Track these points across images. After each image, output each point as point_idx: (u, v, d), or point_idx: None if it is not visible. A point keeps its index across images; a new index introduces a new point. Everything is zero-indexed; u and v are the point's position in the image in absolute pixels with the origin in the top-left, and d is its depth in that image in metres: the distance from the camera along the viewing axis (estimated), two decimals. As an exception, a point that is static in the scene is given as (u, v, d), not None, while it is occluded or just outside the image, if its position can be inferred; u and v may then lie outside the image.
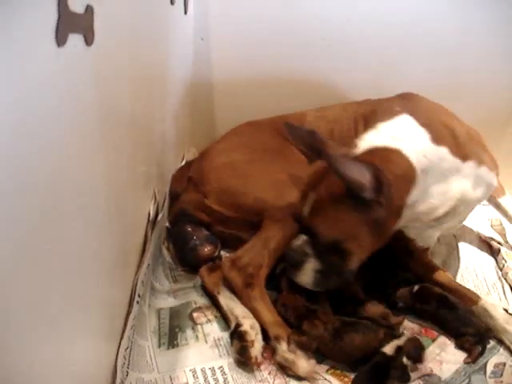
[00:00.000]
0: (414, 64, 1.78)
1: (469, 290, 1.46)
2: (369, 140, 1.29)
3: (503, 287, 1.56)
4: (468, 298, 1.41)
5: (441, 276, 1.49)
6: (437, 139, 1.30)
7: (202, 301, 1.48)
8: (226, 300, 1.40)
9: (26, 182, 0.67)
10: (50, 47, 0.71)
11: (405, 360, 1.24)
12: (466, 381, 1.27)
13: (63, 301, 0.83)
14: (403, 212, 1.28)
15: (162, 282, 1.53)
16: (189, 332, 1.38)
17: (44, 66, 0.70)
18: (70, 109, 0.80)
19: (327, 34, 1.72)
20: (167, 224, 1.63)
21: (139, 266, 1.33)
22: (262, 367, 1.29)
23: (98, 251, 0.97)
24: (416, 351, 1.27)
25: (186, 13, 1.63)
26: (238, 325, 1.31)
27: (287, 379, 1.26)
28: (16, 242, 0.66)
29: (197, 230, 1.54)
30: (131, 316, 1.25)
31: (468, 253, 1.72)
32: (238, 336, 1.29)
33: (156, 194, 1.43)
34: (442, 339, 1.36)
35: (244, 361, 1.27)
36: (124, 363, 1.19)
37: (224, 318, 1.40)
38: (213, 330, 1.40)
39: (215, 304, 1.43)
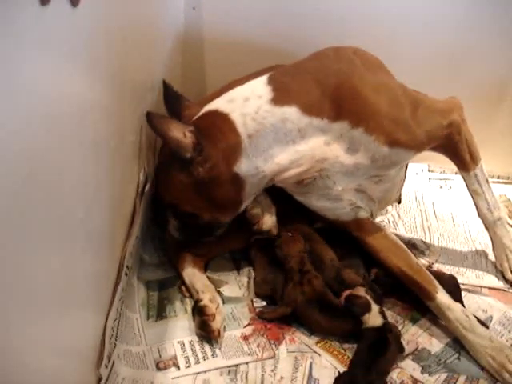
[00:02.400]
0: (409, 40, 1.74)
1: (429, 281, 1.32)
2: (212, 104, 1.27)
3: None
4: (424, 291, 1.32)
5: (395, 261, 1.37)
6: (280, 99, 1.21)
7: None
8: (189, 275, 1.41)
9: (10, 149, 0.65)
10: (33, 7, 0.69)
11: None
12: (456, 355, 1.27)
13: (49, 272, 0.82)
14: (244, 178, 1.24)
15: (150, 254, 1.51)
16: (177, 304, 1.38)
17: (27, 27, 0.67)
18: (56, 72, 0.78)
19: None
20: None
21: (127, 238, 1.31)
22: (251, 340, 1.29)
23: (85, 221, 0.95)
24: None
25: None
26: (198, 300, 1.32)
27: (275, 351, 1.26)
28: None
29: None
30: (119, 288, 1.23)
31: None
32: (198, 311, 1.29)
33: (145, 165, 1.41)
34: (432, 314, 1.35)
35: (206, 335, 1.27)
36: (112, 335, 1.18)
37: (189, 292, 1.40)
38: (202, 303, 1.39)
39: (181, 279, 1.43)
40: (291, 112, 1.21)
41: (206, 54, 1.75)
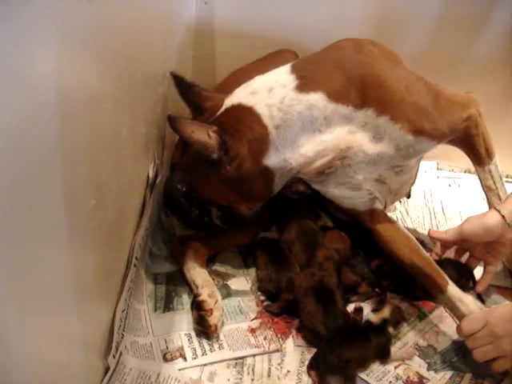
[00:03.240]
0: (416, 37, 1.74)
1: (439, 273, 1.31)
2: (234, 96, 1.25)
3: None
4: (434, 284, 1.30)
5: (406, 253, 1.35)
6: (306, 86, 1.20)
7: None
8: (189, 269, 1.40)
9: (23, 138, 0.66)
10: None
11: (392, 330, 1.24)
12: (462, 353, 1.26)
13: (59, 261, 0.82)
14: (273, 170, 1.23)
15: (159, 246, 1.52)
16: (185, 297, 1.38)
17: (41, 17, 0.68)
18: (68, 62, 0.78)
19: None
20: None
21: (137, 229, 1.32)
22: (258, 332, 1.29)
23: (95, 210, 0.96)
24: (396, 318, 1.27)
25: None
26: (197, 294, 1.31)
27: (282, 345, 1.26)
28: (9, 203, 0.65)
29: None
30: (128, 279, 1.24)
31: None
32: (196, 305, 1.28)
33: (155, 156, 1.41)
34: (439, 311, 1.36)
35: (203, 330, 1.26)
36: (120, 326, 1.19)
37: (190, 288, 1.39)
38: (209, 295, 1.39)
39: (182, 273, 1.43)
40: (317, 98, 1.20)
41: (217, 47, 1.75)
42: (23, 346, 0.73)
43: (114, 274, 1.19)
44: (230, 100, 1.25)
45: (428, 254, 1.36)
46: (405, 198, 1.76)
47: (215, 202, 1.33)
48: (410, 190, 1.69)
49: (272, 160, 1.22)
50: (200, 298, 1.29)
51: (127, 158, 1.17)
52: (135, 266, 1.28)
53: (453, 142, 1.39)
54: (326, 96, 1.20)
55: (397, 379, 1.19)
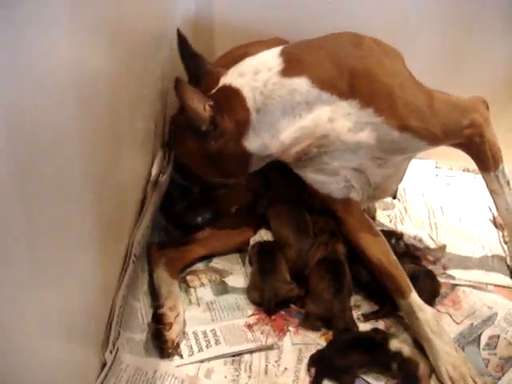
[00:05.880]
0: (415, 38, 1.73)
1: (404, 279, 1.29)
2: (228, 77, 1.28)
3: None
4: (398, 288, 1.28)
5: (375, 251, 1.35)
6: (290, 70, 1.22)
7: (196, 264, 1.47)
8: (158, 277, 1.36)
9: (19, 130, 0.65)
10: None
11: (394, 366, 1.17)
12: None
13: (56, 253, 0.82)
14: (251, 152, 1.27)
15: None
16: (182, 295, 1.36)
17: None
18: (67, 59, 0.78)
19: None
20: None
21: (136, 226, 1.31)
22: (255, 328, 1.29)
23: (94, 203, 0.95)
24: (410, 379, 1.17)
25: None
26: (159, 306, 1.26)
27: (279, 341, 1.26)
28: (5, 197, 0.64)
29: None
30: (127, 275, 1.23)
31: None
32: (155, 318, 1.23)
33: (158, 154, 1.41)
34: (435, 310, 1.35)
35: (158, 344, 1.20)
36: (117, 322, 1.18)
37: (153, 296, 1.35)
38: (206, 293, 1.39)
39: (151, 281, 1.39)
40: (300, 83, 1.21)
41: (216, 41, 1.75)
42: (20, 341, 0.72)
43: (112, 269, 1.19)
44: (224, 79, 1.28)
45: (396, 258, 1.35)
46: (403, 197, 1.76)
47: (190, 167, 1.38)
48: (396, 191, 1.68)
49: (251, 143, 1.25)
50: (160, 311, 1.24)
51: (126, 153, 1.17)
52: (134, 262, 1.27)
53: (457, 147, 1.39)
54: (309, 81, 1.21)
55: (393, 378, 1.18)
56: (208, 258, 1.49)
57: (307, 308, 1.32)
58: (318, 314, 1.30)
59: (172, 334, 1.20)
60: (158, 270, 1.37)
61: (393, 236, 1.47)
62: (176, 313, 1.25)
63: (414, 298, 1.26)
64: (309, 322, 1.30)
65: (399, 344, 1.21)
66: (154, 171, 1.37)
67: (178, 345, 1.21)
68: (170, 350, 1.19)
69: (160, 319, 1.22)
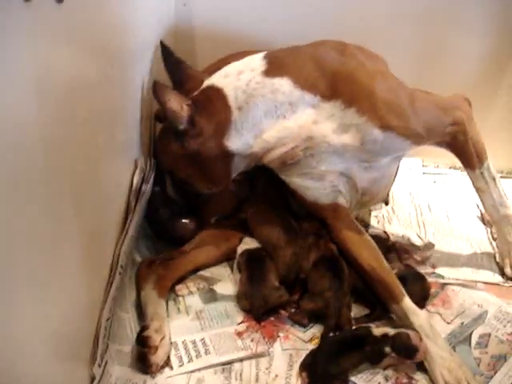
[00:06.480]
0: (397, 35, 1.74)
1: (396, 284, 1.29)
2: (211, 78, 1.30)
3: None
4: (391, 294, 1.28)
5: (366, 257, 1.34)
6: (273, 71, 1.23)
7: (184, 273, 1.46)
8: (145, 296, 1.32)
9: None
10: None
11: (388, 349, 1.17)
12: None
13: (41, 268, 0.81)
14: (233, 152, 1.27)
15: (143, 254, 1.49)
16: (170, 304, 1.36)
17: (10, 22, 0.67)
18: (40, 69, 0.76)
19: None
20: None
21: (122, 237, 1.29)
22: (245, 335, 1.28)
23: (75, 217, 0.94)
24: (407, 351, 1.18)
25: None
26: (144, 327, 1.22)
27: (270, 348, 1.25)
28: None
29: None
30: (113, 287, 1.21)
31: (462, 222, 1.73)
32: (139, 340, 1.19)
33: (142, 164, 1.39)
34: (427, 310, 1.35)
35: (142, 368, 1.17)
36: (105, 335, 1.16)
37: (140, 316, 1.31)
38: (194, 302, 1.38)
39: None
40: (282, 83, 1.23)
41: (198, 49, 1.75)
42: (6, 358, 0.72)
43: (97, 282, 1.17)
44: (207, 81, 1.29)
45: (388, 265, 1.35)
46: (390, 196, 1.75)
47: (173, 173, 1.38)
48: (387, 197, 1.68)
49: (233, 141, 1.25)
50: (145, 333, 1.20)
51: (107, 164, 1.16)
52: (120, 274, 1.26)
53: (441, 146, 1.39)
54: (292, 82, 1.23)
55: (386, 380, 1.18)
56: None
57: (302, 304, 1.33)
58: (314, 309, 1.30)
59: (156, 358, 1.18)
60: (145, 289, 1.33)
61: (384, 245, 1.47)
62: (161, 335, 1.21)
63: (407, 302, 1.26)
64: (298, 315, 1.32)
65: (381, 329, 1.22)
66: (135, 180, 1.35)
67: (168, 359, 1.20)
68: (153, 374, 1.17)
69: (145, 342, 1.18)
